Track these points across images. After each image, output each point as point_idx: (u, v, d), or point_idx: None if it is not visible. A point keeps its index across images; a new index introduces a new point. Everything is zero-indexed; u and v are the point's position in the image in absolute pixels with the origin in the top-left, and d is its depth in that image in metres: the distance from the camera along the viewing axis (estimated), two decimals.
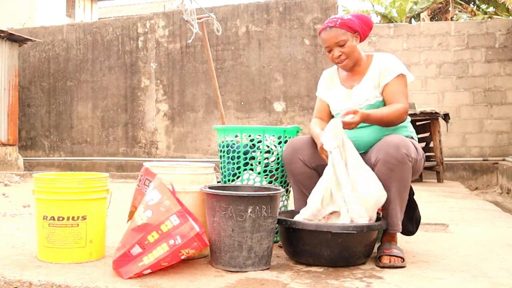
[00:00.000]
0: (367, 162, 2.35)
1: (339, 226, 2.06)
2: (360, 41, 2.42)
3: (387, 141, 2.16)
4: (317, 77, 7.53)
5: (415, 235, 2.48)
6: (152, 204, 2.01)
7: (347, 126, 2.15)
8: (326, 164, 2.18)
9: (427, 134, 6.73)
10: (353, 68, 2.43)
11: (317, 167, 2.35)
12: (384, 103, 2.36)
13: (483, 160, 7.74)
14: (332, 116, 2.53)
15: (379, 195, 2.11)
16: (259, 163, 2.49)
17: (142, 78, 9.03)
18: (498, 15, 12.33)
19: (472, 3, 14.42)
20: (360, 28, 2.39)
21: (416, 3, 14.11)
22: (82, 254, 2.14)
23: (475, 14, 13.16)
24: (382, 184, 2.19)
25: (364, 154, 2.41)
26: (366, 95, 2.37)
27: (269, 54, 8.30)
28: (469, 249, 2.49)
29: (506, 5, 11.08)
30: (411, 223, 2.41)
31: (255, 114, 8.37)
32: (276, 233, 2.39)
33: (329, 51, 2.39)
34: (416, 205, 2.44)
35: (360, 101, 2.37)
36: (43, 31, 9.71)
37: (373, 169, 2.22)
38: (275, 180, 2.53)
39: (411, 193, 2.36)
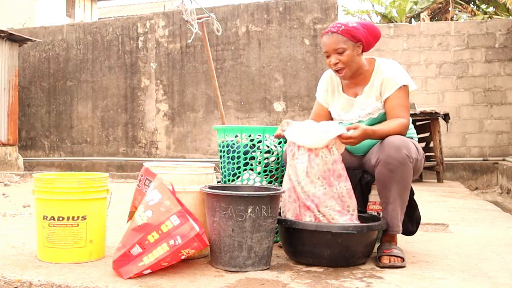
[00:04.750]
0: (366, 163, 2.35)
1: (339, 226, 2.06)
2: (364, 51, 2.34)
3: (388, 142, 2.15)
4: (317, 77, 7.53)
5: (415, 235, 2.48)
6: (152, 204, 2.01)
7: (346, 140, 2.09)
8: None
9: (427, 134, 6.72)
10: (354, 75, 2.36)
11: None
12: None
13: (483, 160, 7.74)
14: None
15: None
16: (259, 163, 2.49)
17: (142, 78, 9.03)
18: (498, 15, 12.32)
19: (472, 3, 14.41)
20: (365, 38, 2.30)
21: (416, 3, 14.10)
22: (82, 254, 2.14)
23: (475, 14, 13.15)
24: (383, 185, 2.19)
25: (363, 156, 2.41)
26: (369, 108, 2.33)
27: (269, 54, 8.30)
28: (469, 249, 2.50)
29: (506, 5, 11.07)
30: (411, 223, 2.41)
31: (255, 114, 8.37)
32: (276, 233, 2.39)
33: (327, 57, 2.32)
34: (416, 205, 2.43)
35: (362, 114, 2.34)
36: (43, 31, 9.71)
37: (373, 170, 2.22)
38: (275, 180, 2.53)
39: (411, 193, 2.36)
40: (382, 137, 2.20)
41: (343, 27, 2.28)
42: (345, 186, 2.13)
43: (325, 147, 2.10)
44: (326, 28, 2.43)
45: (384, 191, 2.19)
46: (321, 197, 2.11)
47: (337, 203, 2.11)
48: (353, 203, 2.15)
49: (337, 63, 2.29)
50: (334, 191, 2.11)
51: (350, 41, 2.27)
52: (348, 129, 2.11)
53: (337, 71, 2.33)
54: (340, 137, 2.10)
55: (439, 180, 6.57)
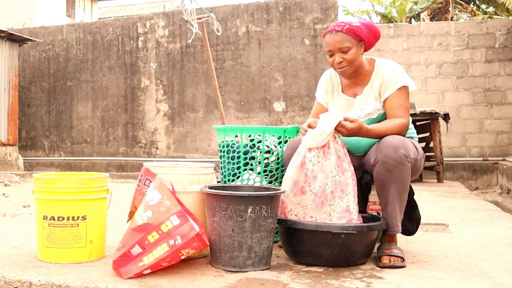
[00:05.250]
0: (366, 163, 2.35)
1: (339, 226, 2.06)
2: (365, 51, 2.34)
3: (386, 142, 2.15)
4: (317, 77, 7.53)
5: (415, 235, 2.48)
6: (152, 204, 2.01)
7: (339, 127, 2.12)
8: None
9: (427, 134, 6.73)
10: (354, 75, 2.36)
11: None
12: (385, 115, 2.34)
13: (483, 160, 7.74)
14: None
15: None
16: (259, 163, 2.49)
17: (142, 78, 9.03)
18: (498, 15, 12.32)
19: (472, 3, 14.41)
20: (367, 37, 2.30)
21: (416, 3, 14.10)
22: (82, 254, 2.14)
23: (475, 14, 13.15)
24: (381, 185, 2.19)
25: (363, 156, 2.41)
26: (368, 108, 2.33)
27: (269, 54, 8.30)
28: (469, 249, 2.50)
29: (506, 5, 11.07)
30: (411, 223, 2.41)
31: (255, 114, 8.37)
32: (276, 233, 2.39)
33: (331, 55, 2.32)
34: (416, 205, 2.43)
35: (361, 115, 2.34)
36: (43, 31, 9.71)
37: (372, 170, 2.22)
38: (275, 180, 2.53)
39: (411, 193, 2.36)
40: (379, 136, 2.20)
41: (347, 26, 2.28)
42: (349, 170, 2.15)
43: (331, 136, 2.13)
44: (327, 27, 2.43)
45: (383, 191, 2.19)
46: (344, 186, 2.11)
47: (350, 185, 2.12)
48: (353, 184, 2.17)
49: (341, 62, 2.29)
50: (349, 175, 2.12)
51: (354, 40, 2.28)
52: (345, 120, 2.13)
53: (339, 69, 2.33)
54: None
55: (439, 180, 6.57)
